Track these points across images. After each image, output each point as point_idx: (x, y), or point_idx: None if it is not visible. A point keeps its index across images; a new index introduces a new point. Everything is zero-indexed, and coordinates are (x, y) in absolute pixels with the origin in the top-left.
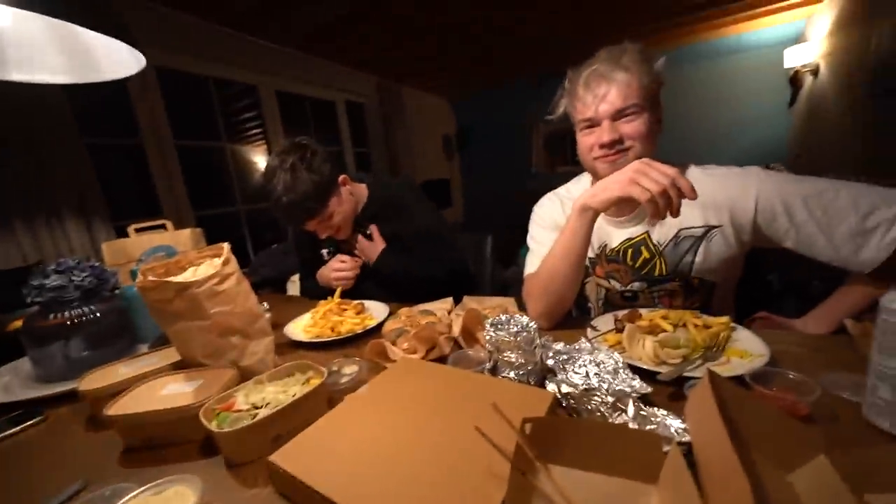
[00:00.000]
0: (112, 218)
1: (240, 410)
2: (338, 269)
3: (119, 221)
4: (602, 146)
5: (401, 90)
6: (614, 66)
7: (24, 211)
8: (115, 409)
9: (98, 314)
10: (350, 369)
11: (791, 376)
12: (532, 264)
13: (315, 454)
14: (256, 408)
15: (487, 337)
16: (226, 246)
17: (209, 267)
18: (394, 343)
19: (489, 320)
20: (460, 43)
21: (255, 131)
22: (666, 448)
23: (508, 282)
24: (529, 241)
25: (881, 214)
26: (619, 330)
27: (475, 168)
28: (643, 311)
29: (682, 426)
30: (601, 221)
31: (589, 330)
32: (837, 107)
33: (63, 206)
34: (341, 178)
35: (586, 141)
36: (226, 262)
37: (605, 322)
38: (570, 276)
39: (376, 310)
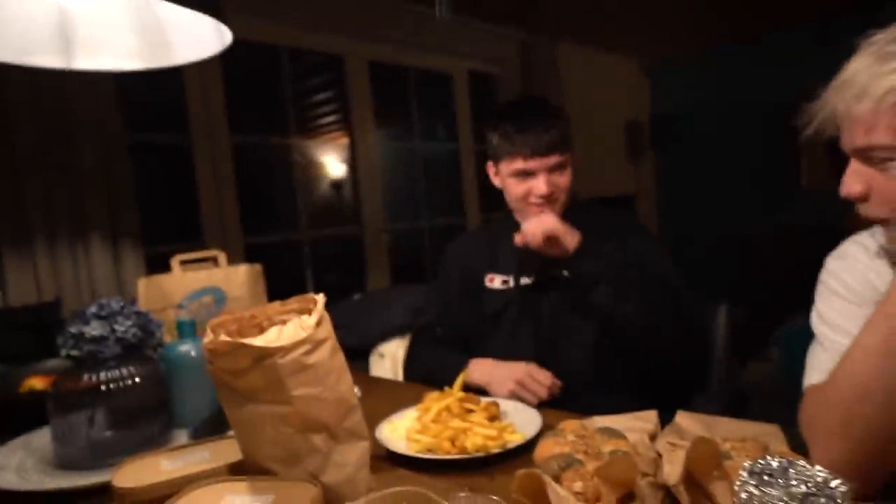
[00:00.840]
0: (143, 241)
1: None
2: (529, 380)
3: (150, 246)
4: (845, 195)
5: (556, 52)
6: (870, 74)
7: (47, 228)
8: None
9: (136, 379)
10: None
11: None
12: (821, 365)
13: None
14: None
15: (743, 496)
16: (319, 299)
17: (296, 328)
18: (557, 479)
19: (744, 464)
20: None
21: (330, 119)
22: None
23: (748, 390)
24: (816, 321)
25: None
26: None
27: (685, 180)
28: None
29: None
30: None
31: None
32: None
33: (93, 222)
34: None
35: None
36: (318, 323)
37: None
38: None
39: (521, 416)
